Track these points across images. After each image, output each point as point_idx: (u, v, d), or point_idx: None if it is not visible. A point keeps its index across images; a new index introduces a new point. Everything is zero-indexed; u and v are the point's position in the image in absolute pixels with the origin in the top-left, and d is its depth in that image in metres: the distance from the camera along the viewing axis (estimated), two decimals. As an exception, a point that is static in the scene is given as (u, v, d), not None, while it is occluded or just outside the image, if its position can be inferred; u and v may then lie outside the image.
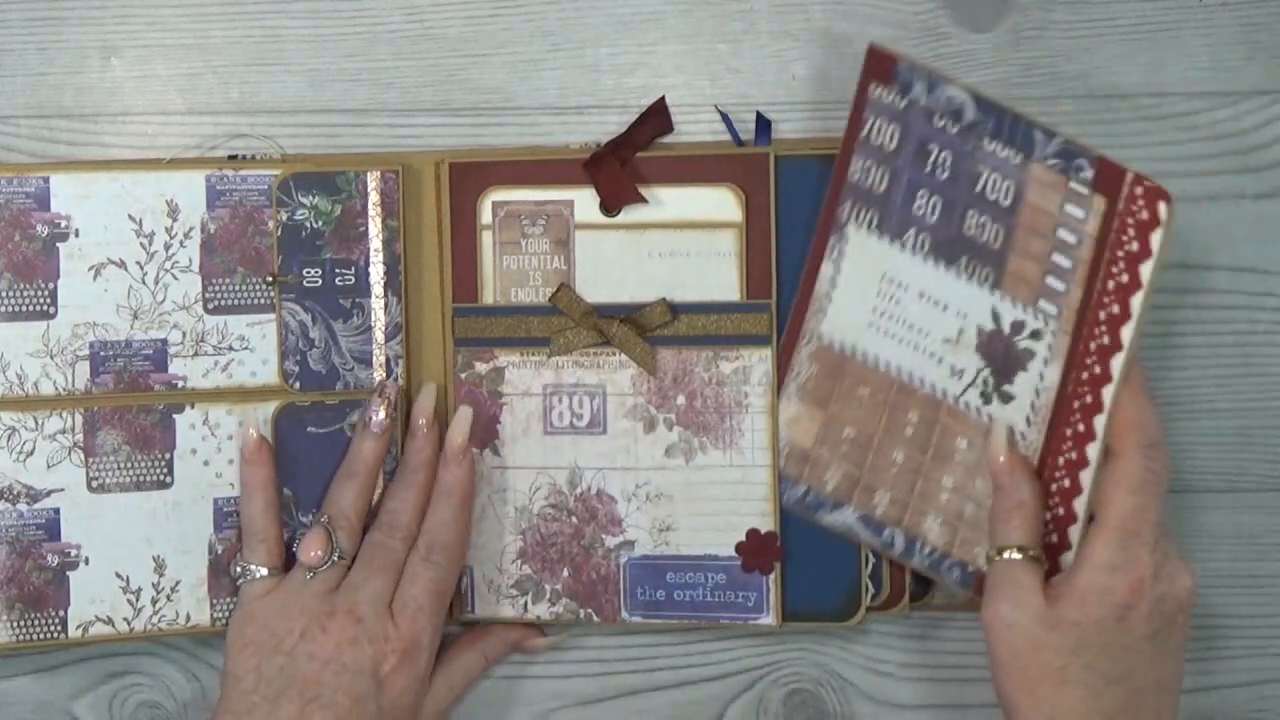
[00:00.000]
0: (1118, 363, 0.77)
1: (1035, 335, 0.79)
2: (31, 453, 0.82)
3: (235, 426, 0.83)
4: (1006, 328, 0.79)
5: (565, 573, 0.84)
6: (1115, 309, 0.77)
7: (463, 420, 0.82)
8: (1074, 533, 0.78)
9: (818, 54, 0.85)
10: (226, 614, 0.83)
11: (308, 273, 0.83)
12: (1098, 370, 0.78)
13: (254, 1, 0.84)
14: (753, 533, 0.83)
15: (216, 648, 0.85)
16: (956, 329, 0.80)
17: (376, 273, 0.83)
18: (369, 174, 0.83)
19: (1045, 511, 0.78)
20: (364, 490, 0.81)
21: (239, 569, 0.80)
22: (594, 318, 0.83)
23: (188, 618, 0.83)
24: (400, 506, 0.81)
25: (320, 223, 0.83)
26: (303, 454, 0.82)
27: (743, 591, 0.83)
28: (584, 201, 0.83)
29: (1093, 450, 0.77)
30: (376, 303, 0.83)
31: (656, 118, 0.84)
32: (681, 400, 0.83)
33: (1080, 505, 0.78)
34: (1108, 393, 0.77)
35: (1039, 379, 0.79)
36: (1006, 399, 0.80)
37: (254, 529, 0.81)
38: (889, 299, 0.81)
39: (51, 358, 0.82)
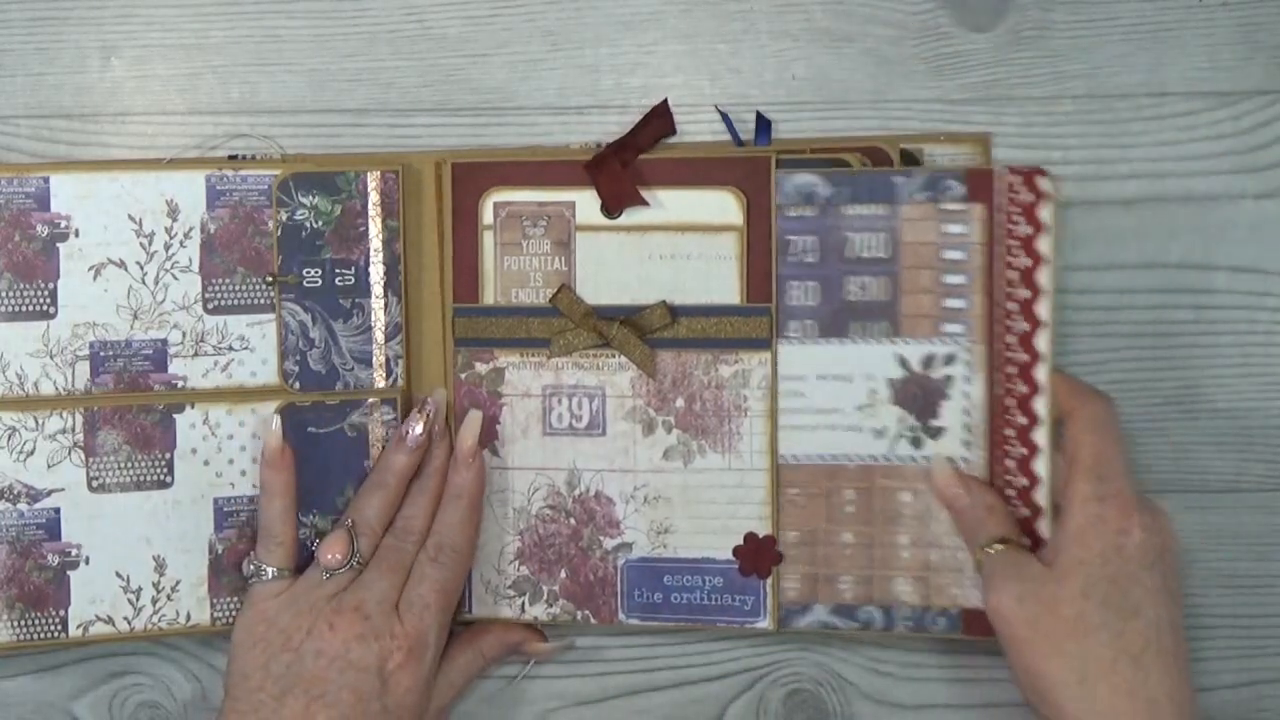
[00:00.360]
0: (1043, 340, 0.79)
1: (949, 360, 0.81)
2: (32, 453, 0.82)
3: (236, 426, 0.83)
4: (917, 367, 0.81)
5: (563, 574, 0.84)
6: (1025, 294, 0.79)
7: (472, 424, 0.83)
8: (1043, 527, 0.79)
9: (818, 54, 0.85)
10: (227, 614, 0.83)
11: (308, 273, 0.83)
12: (1024, 358, 0.79)
13: (254, 1, 0.84)
14: (750, 536, 0.83)
15: (217, 648, 0.85)
16: (867, 391, 0.82)
17: (376, 273, 0.83)
18: (369, 174, 0.83)
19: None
20: (390, 501, 0.82)
21: (252, 567, 0.80)
22: (594, 319, 0.83)
23: (188, 617, 0.83)
24: (414, 512, 0.82)
25: (320, 223, 0.83)
26: (303, 454, 0.82)
27: (740, 595, 0.83)
28: (585, 203, 0.83)
29: (1040, 436, 0.79)
30: (376, 303, 0.83)
31: (659, 119, 0.84)
32: (680, 403, 0.83)
33: (1042, 496, 0.79)
34: (1040, 373, 0.79)
35: (965, 398, 0.81)
36: (937, 434, 0.81)
37: (271, 531, 0.81)
38: (792, 396, 0.82)
39: (51, 358, 0.82)
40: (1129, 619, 0.74)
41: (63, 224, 0.81)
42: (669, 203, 0.82)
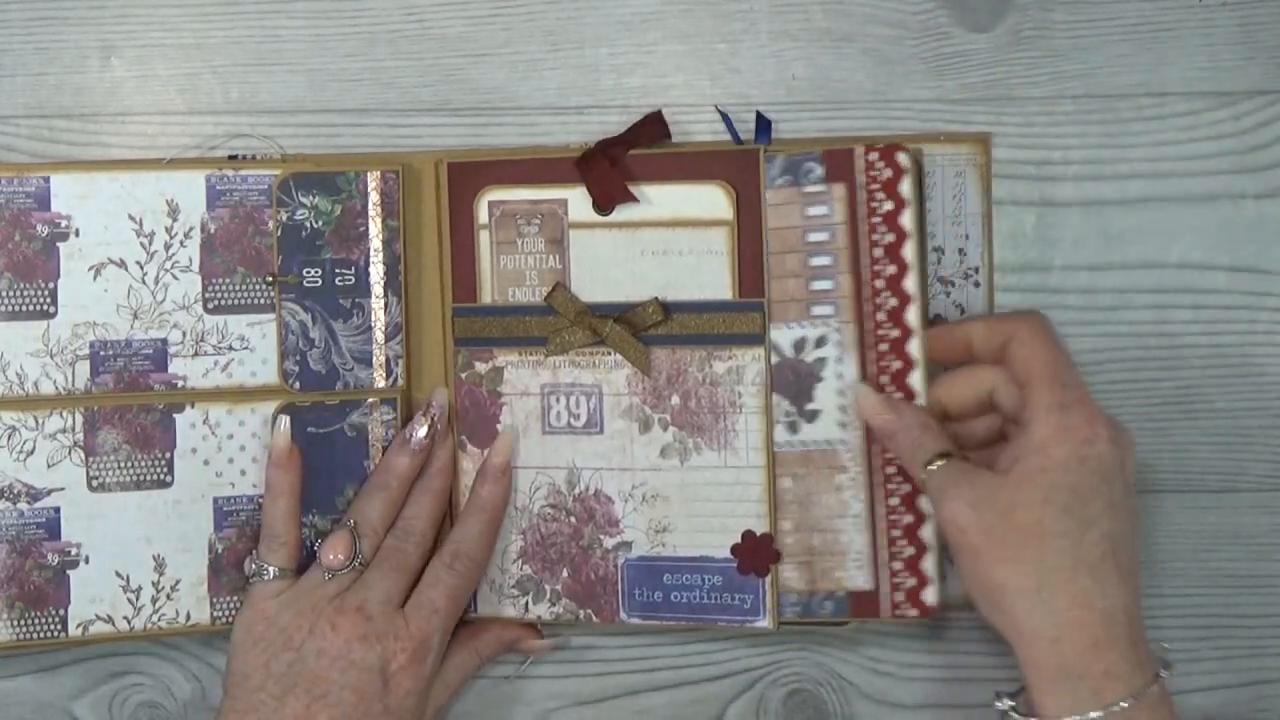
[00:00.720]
0: (913, 314, 0.79)
1: (820, 342, 0.81)
2: (32, 452, 0.82)
3: (236, 426, 0.83)
4: (789, 352, 0.81)
5: (565, 573, 0.84)
6: (891, 269, 0.80)
7: (505, 442, 0.84)
8: (923, 502, 0.80)
9: (818, 54, 0.85)
10: (227, 613, 0.83)
11: (308, 273, 0.83)
12: (895, 334, 0.80)
13: (254, 1, 0.85)
14: (748, 534, 0.83)
15: (217, 647, 0.85)
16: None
17: (376, 273, 0.83)
18: (369, 174, 0.83)
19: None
20: (393, 502, 0.82)
21: (254, 567, 0.80)
22: (589, 317, 0.83)
23: (188, 616, 0.83)
24: (416, 513, 0.82)
25: (320, 223, 0.83)
26: (302, 454, 0.82)
27: (739, 594, 0.83)
28: (577, 200, 0.83)
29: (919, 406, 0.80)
30: (376, 303, 0.83)
31: (652, 126, 0.84)
32: (676, 400, 0.83)
33: None
34: (914, 347, 0.80)
35: (838, 378, 0.81)
36: (812, 417, 0.82)
37: (275, 531, 0.81)
38: None
39: (51, 357, 0.82)
40: (1088, 529, 0.72)
41: (63, 224, 0.82)
42: (659, 198, 0.82)
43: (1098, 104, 0.85)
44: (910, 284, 0.79)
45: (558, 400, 0.84)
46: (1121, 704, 0.70)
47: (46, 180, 0.81)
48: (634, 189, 0.82)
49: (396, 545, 0.81)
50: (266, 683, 0.77)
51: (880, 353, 0.80)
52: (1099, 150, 0.85)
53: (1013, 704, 0.75)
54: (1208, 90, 0.85)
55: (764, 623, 0.83)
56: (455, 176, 0.83)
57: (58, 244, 0.82)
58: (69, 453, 0.82)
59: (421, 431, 0.82)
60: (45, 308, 0.82)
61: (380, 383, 0.83)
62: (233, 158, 0.84)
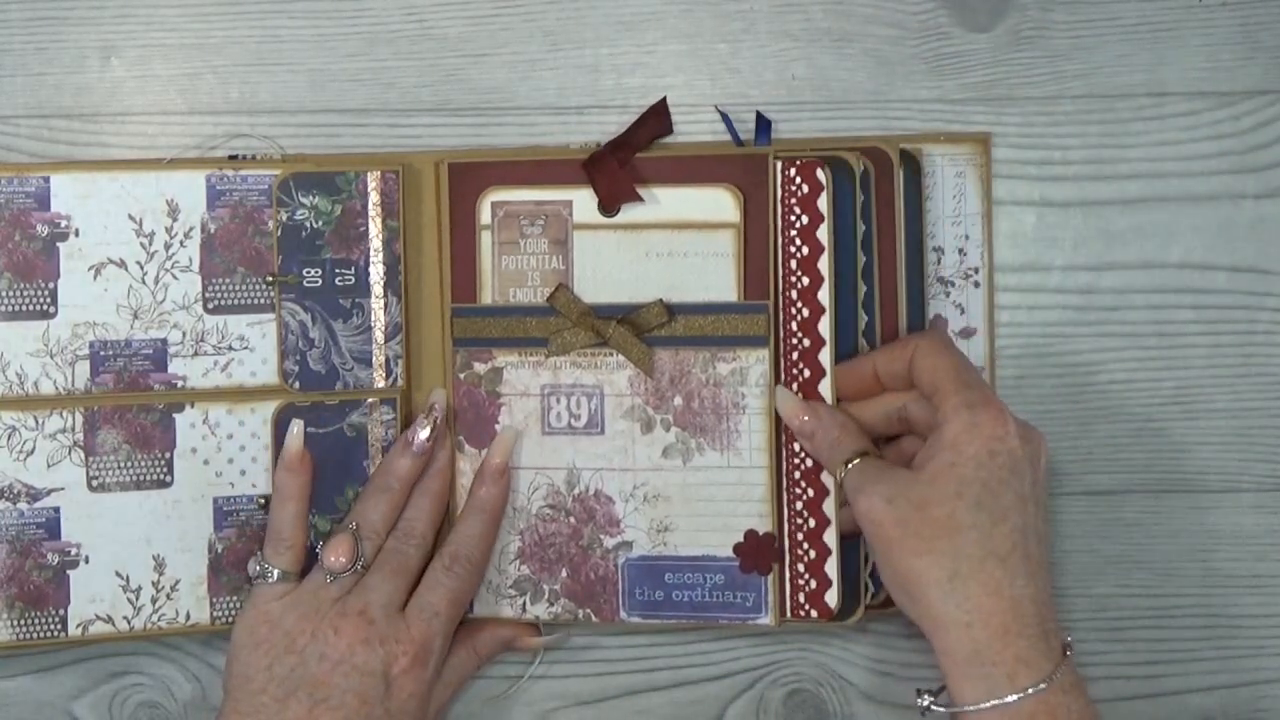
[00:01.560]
0: (825, 326, 0.81)
1: None
2: (31, 452, 0.82)
3: (236, 426, 0.83)
4: None
5: (563, 573, 0.84)
6: (805, 281, 0.81)
7: (505, 442, 0.83)
8: (828, 506, 0.82)
9: (818, 54, 0.85)
10: (226, 613, 0.83)
11: (308, 273, 0.83)
12: (806, 343, 0.82)
13: (254, 1, 0.85)
14: (750, 534, 0.83)
15: (217, 648, 0.85)
16: None
17: (376, 273, 0.83)
18: (369, 174, 0.83)
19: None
20: (395, 505, 0.82)
21: (259, 568, 0.80)
22: (591, 318, 0.83)
23: (188, 616, 0.83)
24: (416, 515, 0.82)
25: (320, 223, 0.83)
26: (314, 459, 0.82)
27: (741, 592, 0.83)
28: (582, 202, 0.83)
29: None
30: (376, 303, 0.83)
31: (656, 118, 0.84)
32: (679, 401, 0.83)
33: (829, 477, 0.82)
34: (824, 357, 0.81)
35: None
36: None
37: (282, 534, 0.81)
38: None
39: (51, 357, 0.82)
40: (998, 522, 0.74)
41: (63, 224, 0.82)
42: (666, 200, 0.82)
43: (1098, 104, 0.85)
44: (824, 296, 0.81)
45: (558, 401, 0.84)
46: (1035, 687, 0.72)
47: (46, 180, 0.81)
48: (640, 191, 0.82)
49: (397, 547, 0.81)
50: (269, 686, 0.77)
51: (790, 360, 0.82)
52: (1099, 150, 0.85)
53: (933, 699, 0.76)
54: (1208, 90, 0.85)
55: (766, 620, 0.83)
56: (456, 177, 0.83)
57: (58, 244, 0.81)
58: (69, 453, 0.82)
59: (424, 433, 0.82)
60: (45, 308, 0.82)
61: (380, 383, 0.83)
62: (233, 158, 0.84)
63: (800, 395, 0.82)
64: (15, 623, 0.82)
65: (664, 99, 0.84)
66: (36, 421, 0.82)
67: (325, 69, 0.85)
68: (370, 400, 0.83)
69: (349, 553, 0.80)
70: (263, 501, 0.83)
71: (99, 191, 0.82)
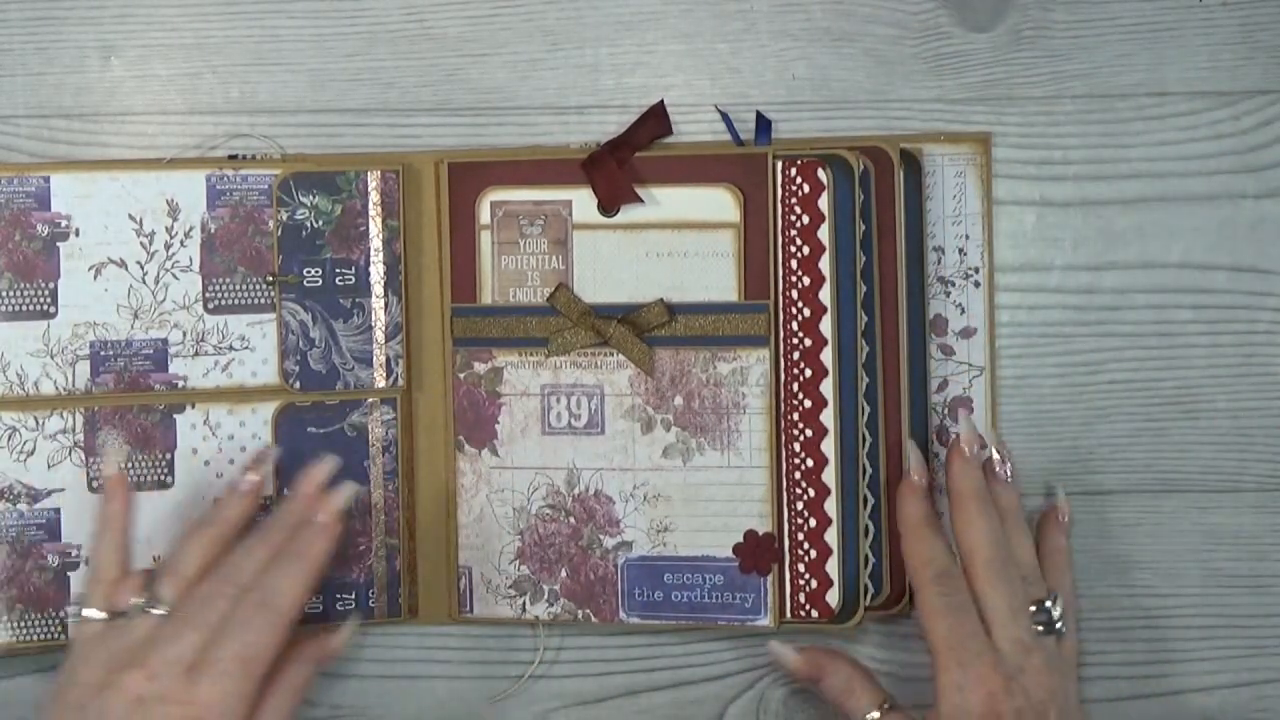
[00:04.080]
0: (826, 325, 0.81)
1: None
2: (32, 453, 0.82)
3: (237, 426, 0.83)
4: None
5: (563, 573, 0.84)
6: (806, 281, 0.81)
7: (347, 489, 0.79)
8: (831, 535, 0.82)
9: (818, 54, 0.85)
10: None
11: (308, 272, 0.83)
12: (808, 343, 0.82)
13: (254, 1, 0.85)
14: (750, 534, 0.83)
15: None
16: None
17: (377, 272, 0.83)
18: (369, 174, 0.83)
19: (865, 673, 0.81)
20: (212, 546, 0.77)
21: (69, 610, 0.78)
22: (592, 318, 0.83)
23: None
24: (245, 563, 0.75)
25: (320, 222, 0.83)
26: (302, 454, 0.82)
27: (740, 593, 0.83)
28: (582, 202, 0.83)
29: (827, 418, 0.82)
30: (377, 302, 0.83)
31: (655, 120, 0.84)
32: (679, 401, 0.83)
33: (829, 477, 0.82)
34: (826, 356, 0.82)
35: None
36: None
37: (97, 567, 0.77)
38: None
39: (52, 357, 0.82)
40: None
41: (63, 223, 0.82)
42: (665, 200, 0.82)
43: (1098, 104, 0.85)
44: (825, 295, 0.81)
45: (558, 401, 0.84)
46: None
47: (46, 180, 0.81)
48: (640, 191, 0.82)
49: (209, 594, 0.74)
50: None
51: (792, 360, 0.82)
52: (1099, 150, 0.85)
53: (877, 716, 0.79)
54: (1208, 90, 0.85)
55: (765, 621, 0.83)
56: (456, 176, 0.83)
57: (58, 244, 0.81)
58: (69, 453, 0.82)
59: (253, 477, 0.79)
60: (45, 308, 0.82)
61: (380, 382, 0.83)
62: (233, 157, 0.84)
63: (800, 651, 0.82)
64: (15, 624, 0.82)
65: (661, 101, 0.84)
66: (37, 422, 0.82)
67: (325, 69, 0.85)
68: (371, 400, 0.83)
69: (134, 590, 0.75)
70: (264, 502, 0.83)
71: (99, 191, 0.82)
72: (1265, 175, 0.85)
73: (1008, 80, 0.85)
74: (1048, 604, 0.77)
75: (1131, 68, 0.85)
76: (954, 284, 0.85)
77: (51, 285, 0.82)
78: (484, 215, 0.83)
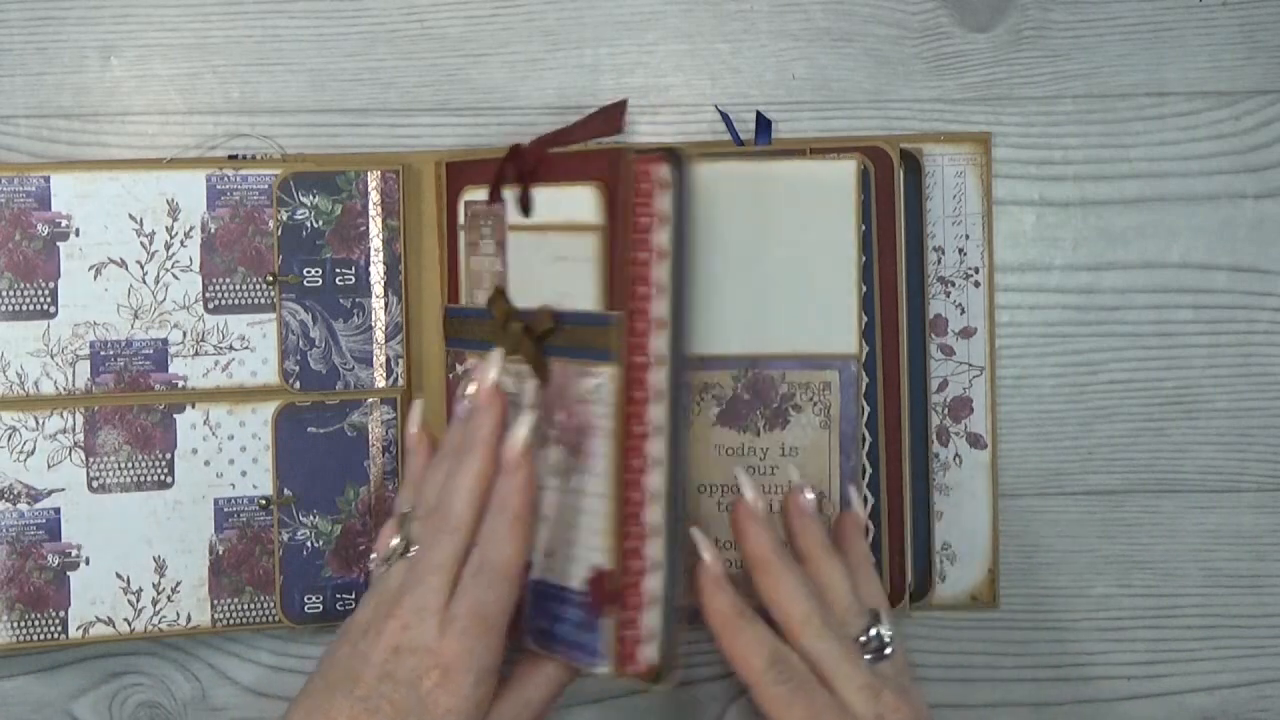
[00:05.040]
0: (661, 343, 0.73)
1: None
2: (32, 452, 0.82)
3: (237, 426, 0.83)
4: None
5: None
6: (643, 290, 0.73)
7: (524, 424, 0.73)
8: (653, 549, 0.74)
9: (818, 54, 0.85)
10: (228, 615, 0.83)
11: (308, 272, 0.83)
12: (638, 361, 0.73)
13: (254, 1, 0.84)
14: (596, 569, 0.73)
15: (216, 647, 0.85)
16: None
17: (377, 272, 0.83)
18: (369, 174, 0.83)
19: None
20: (480, 481, 0.73)
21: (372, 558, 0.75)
22: (512, 323, 0.77)
23: (188, 618, 0.83)
24: (452, 498, 0.72)
25: (320, 222, 0.83)
26: (303, 454, 0.82)
27: (589, 633, 0.74)
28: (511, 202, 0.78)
29: (656, 448, 0.73)
30: (376, 302, 0.83)
31: (604, 117, 0.76)
32: (561, 415, 0.75)
33: (655, 514, 0.74)
34: (659, 378, 0.73)
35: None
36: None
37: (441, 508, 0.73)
38: None
39: (52, 357, 0.82)
40: None
41: (63, 223, 0.81)
42: (541, 199, 0.77)
43: (1098, 104, 0.85)
44: (660, 309, 0.73)
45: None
46: None
47: (47, 180, 0.81)
48: (543, 189, 0.76)
49: (434, 538, 0.72)
50: (330, 673, 0.71)
51: (632, 379, 0.73)
52: (1099, 150, 0.85)
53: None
54: (1208, 90, 0.85)
55: (604, 669, 0.74)
56: (449, 176, 0.83)
57: (58, 243, 0.81)
58: (69, 453, 0.82)
59: (492, 374, 0.74)
60: (45, 307, 0.81)
61: (380, 382, 0.83)
62: (233, 157, 0.84)
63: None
64: (15, 624, 0.82)
65: (625, 100, 0.77)
66: (37, 422, 0.82)
67: (325, 69, 0.85)
68: (370, 400, 0.83)
69: (388, 538, 0.73)
70: (264, 502, 0.83)
71: (99, 191, 0.82)
72: (1265, 175, 0.85)
73: (1008, 80, 0.85)
74: (873, 630, 0.74)
75: (1131, 68, 0.85)
76: (954, 284, 0.85)
77: (51, 285, 0.82)
78: (461, 215, 0.82)
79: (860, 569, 0.78)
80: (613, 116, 0.76)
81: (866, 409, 0.82)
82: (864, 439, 0.82)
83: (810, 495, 0.78)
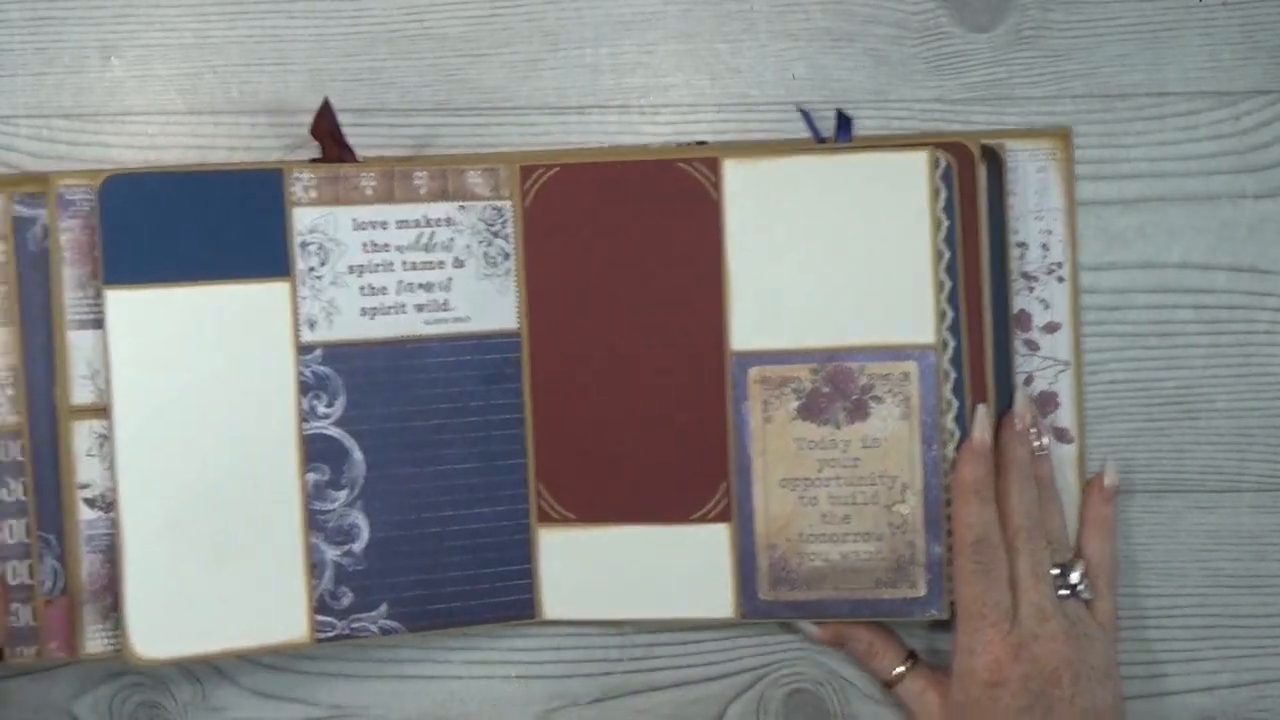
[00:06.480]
0: None
1: None
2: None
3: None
4: None
5: None
6: None
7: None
8: None
9: (818, 54, 0.85)
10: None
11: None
12: None
13: (254, 1, 0.84)
14: None
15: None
16: None
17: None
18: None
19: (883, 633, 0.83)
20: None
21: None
22: None
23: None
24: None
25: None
26: None
27: None
28: None
29: None
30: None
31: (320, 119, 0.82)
32: None
33: None
34: None
35: None
36: None
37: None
38: None
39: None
40: None
41: None
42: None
43: (1098, 104, 0.85)
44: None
45: None
46: None
47: None
48: None
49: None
50: None
51: None
52: (1099, 150, 0.85)
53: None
54: (1208, 90, 0.85)
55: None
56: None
57: None
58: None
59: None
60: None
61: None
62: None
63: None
64: (111, 633, 0.81)
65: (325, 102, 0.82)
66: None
67: (325, 69, 0.85)
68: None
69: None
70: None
71: None
72: (1265, 175, 0.85)
73: (1008, 80, 0.85)
74: (1068, 568, 0.81)
75: (1131, 68, 0.85)
76: (1037, 279, 0.84)
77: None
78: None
79: (1097, 523, 0.83)
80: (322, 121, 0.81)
81: (954, 403, 0.82)
82: (953, 433, 0.82)
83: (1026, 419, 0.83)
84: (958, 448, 0.81)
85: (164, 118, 0.84)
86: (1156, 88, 0.85)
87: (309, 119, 0.84)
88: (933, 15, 0.85)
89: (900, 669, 0.82)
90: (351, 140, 0.84)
